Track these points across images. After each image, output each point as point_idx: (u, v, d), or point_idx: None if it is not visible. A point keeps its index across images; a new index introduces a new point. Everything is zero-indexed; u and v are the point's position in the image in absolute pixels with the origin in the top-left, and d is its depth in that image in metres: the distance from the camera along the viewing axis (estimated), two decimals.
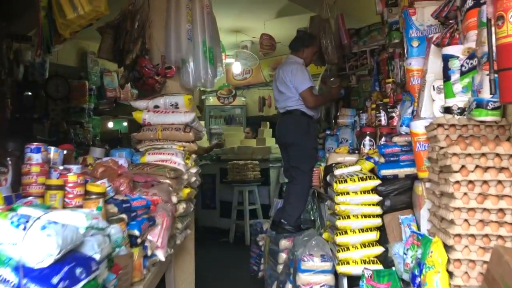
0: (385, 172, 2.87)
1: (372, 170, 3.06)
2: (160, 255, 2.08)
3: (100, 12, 2.58)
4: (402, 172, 2.85)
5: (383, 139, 3.26)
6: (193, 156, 3.00)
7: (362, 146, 3.33)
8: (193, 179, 2.93)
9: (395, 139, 2.97)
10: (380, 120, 3.33)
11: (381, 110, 3.33)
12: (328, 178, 3.26)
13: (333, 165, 3.34)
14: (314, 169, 4.05)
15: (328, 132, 4.45)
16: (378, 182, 2.86)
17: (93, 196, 1.83)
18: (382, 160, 2.90)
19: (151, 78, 3.18)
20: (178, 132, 2.99)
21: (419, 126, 2.57)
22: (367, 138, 3.31)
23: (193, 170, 2.96)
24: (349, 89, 5.55)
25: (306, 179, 4.03)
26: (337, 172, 3.06)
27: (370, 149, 3.29)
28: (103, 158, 2.63)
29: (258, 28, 7.93)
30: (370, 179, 2.89)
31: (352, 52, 5.46)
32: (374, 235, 2.83)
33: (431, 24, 2.96)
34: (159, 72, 3.21)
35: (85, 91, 6.98)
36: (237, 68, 9.28)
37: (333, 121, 5.12)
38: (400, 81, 3.84)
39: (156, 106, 3.12)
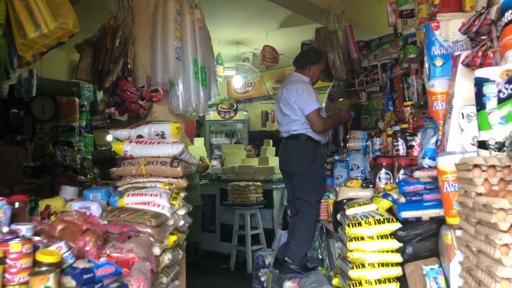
0: (406, 214, 2.47)
1: (390, 209, 2.67)
2: None
3: (68, 29, 2.22)
4: (426, 214, 2.46)
5: (401, 172, 2.87)
6: (182, 194, 2.61)
7: (377, 180, 2.93)
8: (181, 222, 2.54)
9: (417, 174, 2.59)
10: (397, 150, 2.94)
11: (399, 138, 2.94)
12: (338, 217, 2.87)
13: (344, 201, 2.95)
14: (322, 200, 3.66)
15: (336, 157, 4.06)
16: (398, 225, 2.48)
17: (44, 269, 1.45)
18: (403, 199, 2.51)
19: (134, 103, 2.82)
20: (164, 167, 2.62)
21: (447, 163, 2.19)
22: (383, 170, 2.92)
23: (181, 212, 2.57)
24: (358, 106, 5.19)
25: (313, 213, 3.64)
26: (350, 212, 2.67)
27: (387, 183, 2.90)
28: (73, 204, 2.25)
29: (260, 39, 7.60)
30: (388, 222, 2.50)
31: (362, 67, 5.12)
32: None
33: (458, 39, 2.59)
34: (143, 96, 2.84)
35: (75, 108, 6.62)
36: (237, 82, 8.94)
37: (342, 144, 4.74)
38: (417, 101, 3.50)
39: (140, 136, 2.75)
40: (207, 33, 3.23)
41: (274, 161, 6.88)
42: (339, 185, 3.28)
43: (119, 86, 2.78)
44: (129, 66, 2.84)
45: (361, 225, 2.51)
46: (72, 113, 6.54)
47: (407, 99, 3.75)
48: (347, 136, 4.34)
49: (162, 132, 2.70)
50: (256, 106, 10.35)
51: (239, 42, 7.95)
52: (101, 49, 2.91)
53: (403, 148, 2.92)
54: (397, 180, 2.76)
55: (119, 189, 2.56)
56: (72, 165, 5.47)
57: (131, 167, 2.65)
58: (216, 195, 7.43)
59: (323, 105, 5.26)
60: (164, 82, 2.87)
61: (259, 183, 6.64)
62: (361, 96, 5.22)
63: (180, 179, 2.68)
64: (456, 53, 2.49)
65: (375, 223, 2.50)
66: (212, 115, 10.10)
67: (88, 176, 5.16)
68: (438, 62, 2.63)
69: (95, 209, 2.19)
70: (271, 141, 7.48)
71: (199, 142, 8.59)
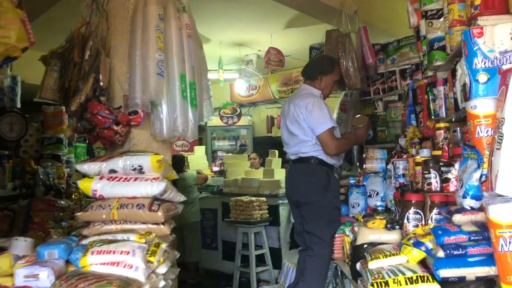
0: (446, 272, 1.97)
1: (423, 261, 2.17)
2: None
3: (11, 44, 1.75)
4: (471, 273, 1.96)
5: (435, 211, 2.37)
6: (163, 246, 2.12)
7: (405, 221, 2.43)
8: (162, 283, 2.05)
9: (457, 218, 2.09)
10: (429, 184, 2.43)
11: (432, 170, 2.44)
12: (358, 266, 2.37)
13: (365, 245, 2.46)
14: (336, 235, 3.17)
15: (352, 181, 3.56)
16: (436, 286, 1.98)
17: None
18: (441, 253, 2.00)
19: (107, 128, 2.34)
20: (141, 211, 2.13)
21: (503, 213, 1.70)
22: (412, 209, 2.42)
23: (162, 270, 2.08)
24: (374, 117, 4.69)
25: (325, 250, 3.15)
26: (373, 265, 2.18)
27: (417, 225, 2.39)
28: (17, 272, 1.77)
29: (264, 41, 7.16)
30: (423, 281, 2.00)
31: (378, 73, 4.62)
32: None
33: (506, 49, 2.10)
34: (119, 120, 2.35)
35: (62, 118, 6.12)
36: (240, 86, 8.47)
37: (357, 163, 4.24)
38: (446, 116, 3.02)
39: (113, 171, 2.26)
40: (198, 42, 2.74)
41: (280, 174, 6.49)
42: (358, 224, 2.77)
43: (88, 109, 2.29)
44: (101, 83, 2.35)
45: (388, 286, 2.01)
46: (59, 123, 6.03)
47: (432, 113, 3.26)
48: (363, 155, 3.84)
49: (139, 166, 2.21)
50: (261, 111, 10.04)
51: (241, 43, 7.53)
52: (68, 63, 2.42)
53: (436, 182, 2.41)
54: (432, 226, 2.25)
55: (84, 241, 2.08)
56: (54, 184, 4.99)
57: (100, 210, 2.17)
58: (218, 210, 6.99)
59: (334, 116, 4.77)
60: (144, 102, 2.38)
61: (263, 199, 6.16)
62: (377, 105, 4.72)
63: (162, 226, 2.19)
64: (505, 67, 2.02)
65: (407, 283, 2.01)
66: (214, 120, 9.69)
67: (73, 196, 4.68)
68: (482, 78, 2.15)
69: (45, 278, 1.71)
70: (276, 152, 6.99)
71: (200, 150, 8.15)
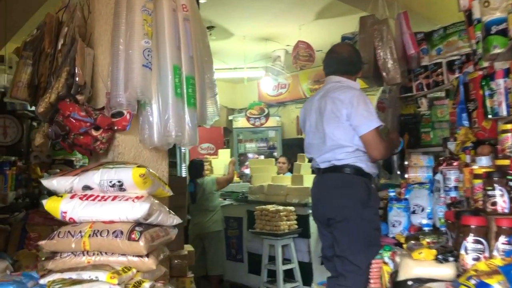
0: None
1: None
2: None
3: None
4: None
5: (502, 239, 1.84)
6: (146, 285, 1.67)
7: (462, 252, 1.90)
8: None
9: None
10: (494, 203, 1.90)
11: (496, 185, 1.90)
12: None
13: (410, 283, 1.95)
14: (373, 261, 2.65)
15: (392, 193, 3.04)
16: None
17: None
18: None
19: (84, 134, 1.92)
20: (119, 240, 1.69)
21: None
22: (471, 237, 1.89)
23: None
24: (417, 117, 4.14)
25: (360, 279, 2.64)
26: None
27: (478, 258, 1.87)
28: None
29: (292, 34, 6.71)
30: None
31: (421, 66, 4.08)
32: None
33: None
34: (98, 124, 1.93)
35: None
36: (268, 85, 8.03)
37: (398, 171, 3.71)
38: (507, 114, 2.51)
39: (87, 188, 1.83)
40: (199, 27, 2.29)
41: (310, 180, 5.82)
42: (400, 254, 2.25)
43: (59, 111, 1.87)
44: (77, 78, 1.92)
45: None
46: None
47: (489, 112, 2.74)
48: (405, 162, 3.31)
49: (119, 181, 1.78)
50: (290, 111, 9.58)
51: (268, 38, 7.10)
52: (39, 54, 2.01)
53: (504, 201, 1.88)
54: (499, 260, 1.73)
55: (42, 280, 1.65)
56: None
57: (69, 239, 1.74)
58: (243, 218, 6.55)
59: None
60: (130, 101, 1.94)
61: (292, 208, 5.71)
62: (420, 103, 4.17)
63: (145, 259, 1.74)
64: None
65: None
66: (241, 121, 9.35)
67: None
68: None
69: None
70: (305, 155, 6.45)
71: (224, 154, 7.73)
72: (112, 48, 2.01)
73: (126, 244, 1.69)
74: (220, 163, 7.61)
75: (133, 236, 1.69)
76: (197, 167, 6.39)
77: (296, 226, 5.71)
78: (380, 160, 2.86)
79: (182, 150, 9.33)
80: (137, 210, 1.73)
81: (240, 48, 7.17)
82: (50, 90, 1.92)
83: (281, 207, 5.66)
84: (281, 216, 5.56)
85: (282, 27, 6.58)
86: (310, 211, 5.64)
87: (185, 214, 4.32)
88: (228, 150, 8.10)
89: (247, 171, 8.58)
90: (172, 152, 10.26)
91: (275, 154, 9.34)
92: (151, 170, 1.87)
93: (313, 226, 5.70)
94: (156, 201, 1.84)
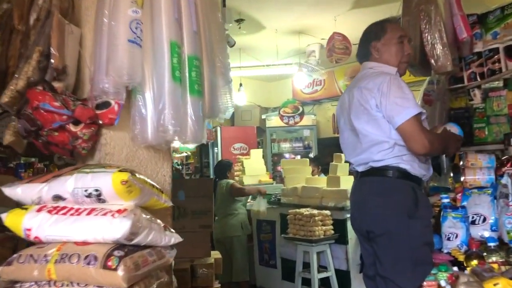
0: None
1: None
2: None
3: None
4: None
5: None
6: None
7: None
8: None
9: None
10: None
11: None
12: None
13: None
14: (424, 283, 2.13)
15: (445, 200, 2.51)
16: None
17: None
18: None
19: (59, 130, 1.50)
20: (92, 268, 1.26)
21: None
22: None
23: None
24: (469, 111, 3.59)
25: None
26: None
27: None
28: None
29: (327, 26, 6.25)
30: None
31: (474, 53, 3.53)
32: None
33: None
34: (76, 116, 1.50)
35: None
36: (302, 82, 7.58)
37: (452, 174, 3.16)
38: None
39: (58, 197, 1.41)
40: None
41: (347, 182, 5.49)
42: (467, 284, 1.73)
43: (28, 102, 1.46)
44: (52, 61, 1.50)
45: None
46: None
47: None
48: (460, 162, 2.77)
49: (96, 189, 1.35)
50: (326, 109, 9.19)
51: (301, 31, 6.63)
52: (8, 33, 1.61)
53: None
54: None
55: None
56: None
57: (31, 265, 1.33)
58: (276, 222, 6.13)
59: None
60: (118, 89, 1.50)
61: (327, 212, 5.25)
62: (473, 95, 3.62)
63: None
64: None
65: None
66: (274, 120, 8.91)
67: None
68: None
69: None
70: (343, 156, 5.94)
71: (256, 154, 7.37)
72: (95, 21, 1.58)
73: (101, 273, 1.26)
74: (251, 163, 7.20)
75: (109, 263, 1.26)
76: (221, 168, 6.01)
77: (333, 232, 5.27)
78: (427, 155, 2.31)
79: (215, 150, 9.03)
80: (116, 228, 1.30)
81: (272, 42, 6.72)
82: (18, 75, 1.50)
83: (316, 211, 5.24)
84: (316, 220, 5.13)
85: (316, 18, 6.09)
86: (348, 215, 5.25)
87: (212, 219, 3.91)
88: (260, 150, 7.65)
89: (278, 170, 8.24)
90: (205, 152, 10.01)
91: (311, 154, 8.90)
92: (140, 176, 1.43)
93: (351, 231, 5.27)
94: (145, 215, 1.41)
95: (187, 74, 1.61)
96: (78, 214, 1.37)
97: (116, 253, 1.29)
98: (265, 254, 6.36)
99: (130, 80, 1.47)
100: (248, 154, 7.92)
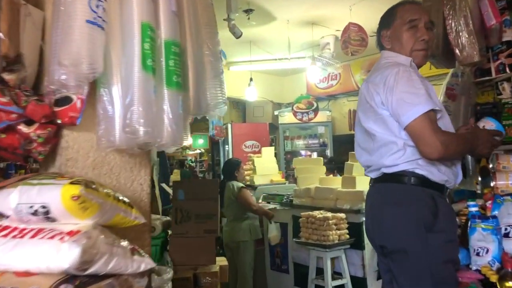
0: None
1: None
2: None
3: None
4: None
5: None
6: None
7: None
8: None
9: None
10: None
11: None
12: None
13: None
14: None
15: (473, 207, 2.21)
16: None
17: None
18: None
19: (8, 131, 1.24)
20: None
21: None
22: None
23: None
24: (497, 107, 3.29)
25: None
26: None
27: None
28: None
29: (342, 16, 5.97)
30: None
31: (504, 41, 3.24)
32: None
33: None
34: (28, 115, 1.25)
35: None
36: (316, 76, 7.31)
37: (479, 178, 2.85)
38: None
39: None
40: None
41: (363, 183, 5.20)
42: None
43: None
44: (1, 48, 1.26)
45: None
46: None
47: None
48: (490, 165, 2.47)
49: (43, 206, 1.11)
50: (342, 104, 8.90)
51: (314, 22, 6.34)
52: None
53: None
54: None
55: None
56: None
57: None
58: (288, 224, 5.85)
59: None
60: (79, 81, 1.25)
61: (342, 215, 4.96)
62: (501, 89, 3.33)
63: None
64: None
65: None
66: (287, 117, 8.70)
67: None
68: None
69: None
70: None
71: (268, 152, 7.14)
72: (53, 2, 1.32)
73: None
74: (263, 162, 6.96)
75: None
76: (228, 167, 5.73)
77: (348, 236, 4.99)
78: (442, 159, 2.01)
79: (226, 148, 8.82)
80: (63, 256, 1.05)
81: (284, 34, 6.44)
82: None
83: (330, 214, 4.96)
84: (330, 224, 4.85)
85: (330, 8, 5.82)
86: (364, 219, 4.98)
87: (217, 224, 3.67)
88: (272, 148, 7.41)
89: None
90: (217, 150, 9.81)
91: (327, 152, 8.64)
92: (101, 188, 1.17)
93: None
94: (106, 237, 1.14)
95: (163, 63, 1.35)
96: (22, 237, 1.12)
97: (63, 287, 1.03)
98: (277, 259, 6.10)
99: (90, 69, 1.22)
100: (260, 152, 7.69)
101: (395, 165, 2.00)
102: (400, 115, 1.97)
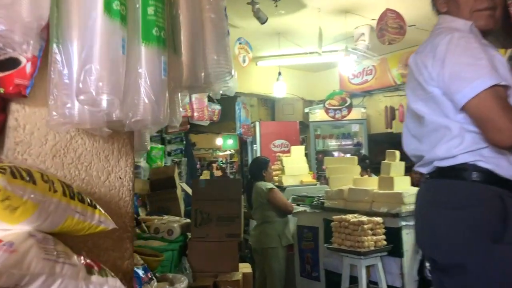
0: None
1: None
2: None
3: None
4: None
5: None
6: None
7: None
8: None
9: None
10: None
11: None
12: None
13: None
14: None
15: None
16: None
17: None
18: None
19: None
20: None
21: None
22: None
23: None
24: None
25: None
26: None
27: None
28: None
29: (378, 3, 5.61)
30: None
31: None
32: None
33: None
34: None
35: None
36: (348, 69, 6.97)
37: None
38: None
39: None
40: None
41: (402, 183, 4.95)
42: None
43: None
44: None
45: None
46: None
47: None
48: None
49: None
50: (378, 101, 8.51)
51: (348, 9, 5.99)
52: None
53: None
54: None
55: None
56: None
57: None
58: (319, 229, 5.57)
59: None
60: (26, 35, 0.90)
61: (379, 219, 4.66)
62: None
63: None
64: None
65: None
66: (319, 114, 8.39)
67: None
68: None
69: None
70: (397, 153, 5.28)
71: (297, 151, 6.86)
72: None
73: None
74: (292, 162, 6.69)
75: None
76: (256, 166, 5.48)
77: (385, 242, 4.69)
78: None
79: (254, 147, 8.56)
80: None
81: (315, 25, 6.07)
82: None
83: (365, 218, 4.68)
84: (365, 229, 4.57)
85: None
86: (404, 223, 4.70)
87: (241, 227, 3.44)
88: (302, 147, 7.17)
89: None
90: (245, 150, 9.54)
91: (362, 151, 8.31)
92: (38, 181, 0.82)
93: (406, 242, 4.72)
94: (44, 250, 0.80)
95: (139, 10, 1.00)
96: None
97: None
98: (307, 265, 5.81)
99: (31, 15, 0.88)
100: (289, 151, 7.43)
101: (451, 157, 1.61)
102: (454, 93, 1.60)
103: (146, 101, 0.97)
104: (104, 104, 0.90)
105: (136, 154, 1.31)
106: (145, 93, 0.97)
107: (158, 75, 1.01)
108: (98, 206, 0.96)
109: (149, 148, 1.87)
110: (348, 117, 8.09)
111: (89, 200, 0.94)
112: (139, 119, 0.96)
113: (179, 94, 1.20)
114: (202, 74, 1.17)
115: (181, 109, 1.23)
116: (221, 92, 1.35)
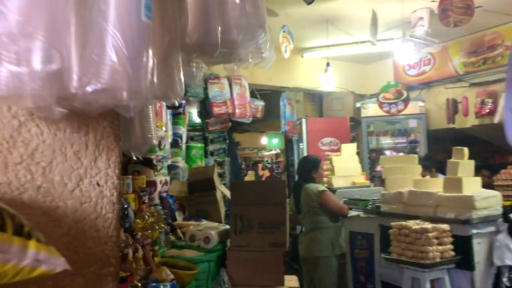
0: None
1: None
2: None
3: None
4: None
5: None
6: None
7: None
8: None
9: None
10: None
11: None
12: None
13: None
14: None
15: None
16: None
17: None
18: None
19: None
20: None
21: None
22: None
23: None
24: None
25: None
26: None
27: None
28: None
29: None
30: None
31: None
32: None
33: None
34: None
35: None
36: (406, 60, 6.61)
37: None
38: None
39: None
40: None
41: (472, 185, 4.60)
42: None
43: None
44: None
45: None
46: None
47: None
48: None
49: None
50: (437, 93, 8.13)
51: None
52: None
53: None
54: None
55: None
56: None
57: None
58: (374, 236, 5.33)
59: None
60: None
61: (446, 226, 4.35)
62: None
63: None
64: None
65: None
66: (372, 109, 8.08)
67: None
68: None
69: None
70: (465, 150, 4.82)
71: (349, 149, 6.66)
72: None
73: None
74: (343, 161, 6.50)
75: None
76: (305, 166, 5.23)
77: (453, 253, 4.41)
78: None
79: (300, 146, 8.32)
80: None
81: (367, 10, 5.67)
82: None
83: (429, 225, 4.39)
84: (429, 237, 4.30)
85: None
86: (475, 231, 4.37)
87: (286, 235, 3.20)
88: (354, 145, 6.98)
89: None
90: (291, 149, 9.27)
91: (417, 149, 8.04)
92: None
93: (478, 253, 4.45)
94: None
95: None
96: None
97: None
98: (361, 276, 5.58)
99: None
100: (339, 150, 7.21)
101: None
102: None
103: (114, 57, 0.58)
104: (34, 58, 0.53)
105: (134, 150, 0.94)
106: (113, 44, 0.59)
107: (134, 16, 0.62)
108: (35, 234, 0.59)
109: (155, 142, 1.51)
110: (404, 112, 7.83)
111: (13, 223, 0.57)
112: (101, 87, 0.58)
113: (180, 56, 0.81)
114: (219, 27, 0.77)
115: (188, 81, 0.83)
116: (252, 62, 0.95)
